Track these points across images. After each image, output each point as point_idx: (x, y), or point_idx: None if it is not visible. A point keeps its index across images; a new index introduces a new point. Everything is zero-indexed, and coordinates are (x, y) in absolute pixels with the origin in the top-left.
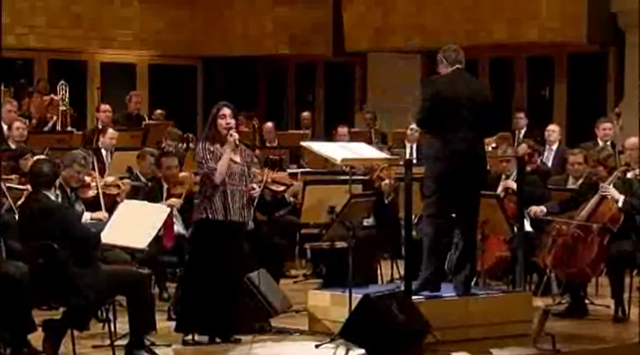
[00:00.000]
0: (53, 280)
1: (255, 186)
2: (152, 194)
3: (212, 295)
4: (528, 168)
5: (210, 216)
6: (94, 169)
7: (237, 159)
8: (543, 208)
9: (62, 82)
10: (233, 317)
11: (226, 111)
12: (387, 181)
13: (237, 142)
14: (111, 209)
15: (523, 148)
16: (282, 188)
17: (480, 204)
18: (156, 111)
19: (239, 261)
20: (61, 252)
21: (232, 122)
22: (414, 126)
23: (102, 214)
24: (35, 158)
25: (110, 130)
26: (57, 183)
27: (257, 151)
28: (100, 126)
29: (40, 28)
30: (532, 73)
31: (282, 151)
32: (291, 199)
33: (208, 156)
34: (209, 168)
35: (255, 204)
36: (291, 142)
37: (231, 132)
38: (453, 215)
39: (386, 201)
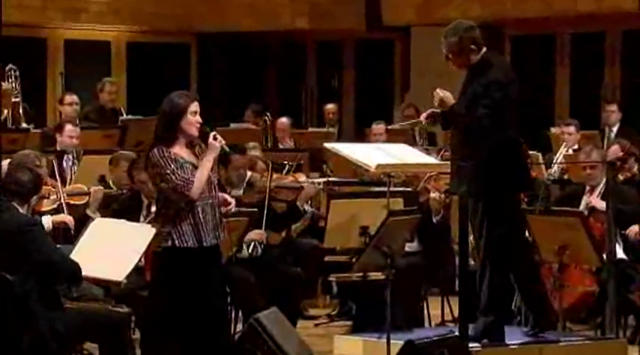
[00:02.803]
0: (4, 320)
1: (230, 199)
2: (129, 209)
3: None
4: (621, 177)
5: (177, 242)
6: (54, 178)
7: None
8: None
9: (10, 66)
10: None
11: (197, 105)
12: (434, 195)
13: (226, 148)
14: (78, 226)
15: (614, 151)
16: (291, 195)
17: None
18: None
19: (219, 298)
20: (21, 284)
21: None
22: None
23: (66, 217)
24: (9, 161)
25: (69, 126)
26: None
27: (258, 152)
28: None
29: None
30: (627, 52)
31: (299, 155)
32: (307, 207)
33: (172, 166)
34: (182, 179)
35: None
36: (311, 143)
37: (215, 134)
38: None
39: (434, 220)
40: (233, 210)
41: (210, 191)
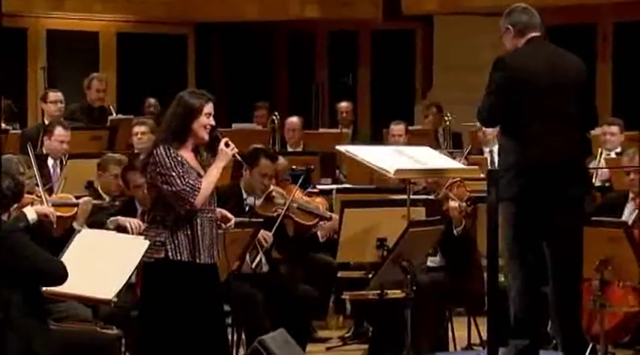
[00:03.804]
0: None
1: (230, 215)
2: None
3: None
4: None
5: (171, 254)
6: (37, 184)
7: (202, 172)
8: None
9: None
10: None
11: (211, 107)
12: (454, 204)
13: (237, 157)
14: (64, 238)
15: None
16: (311, 220)
17: (580, 235)
18: (147, 101)
19: (216, 321)
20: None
21: (214, 123)
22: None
23: (48, 209)
24: None
25: (59, 129)
26: None
27: (281, 159)
28: (46, 123)
29: None
30: None
31: (310, 159)
32: (324, 238)
33: (179, 169)
34: (188, 185)
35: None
36: (322, 146)
37: (226, 140)
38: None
39: (455, 232)
40: (232, 227)
41: (211, 204)
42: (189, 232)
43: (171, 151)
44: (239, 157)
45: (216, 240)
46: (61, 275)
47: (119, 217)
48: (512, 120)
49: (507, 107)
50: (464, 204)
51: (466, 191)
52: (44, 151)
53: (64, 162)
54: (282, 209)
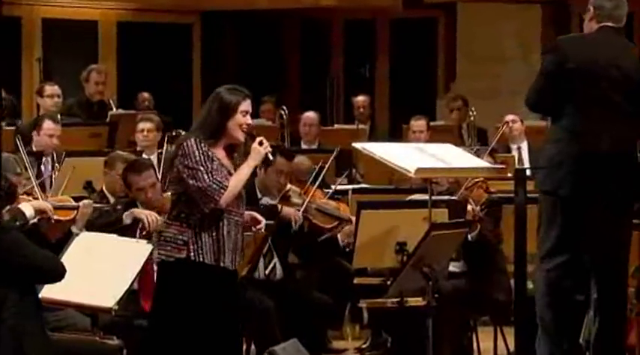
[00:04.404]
0: None
1: (260, 217)
2: (123, 223)
3: None
4: None
5: (193, 255)
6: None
7: (234, 172)
8: None
9: None
10: None
11: (249, 104)
12: (468, 207)
13: (269, 157)
14: (61, 244)
15: None
16: (330, 223)
17: (626, 239)
18: (141, 95)
19: (232, 331)
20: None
21: (251, 123)
22: (511, 116)
23: (45, 204)
24: None
25: (48, 123)
26: None
27: (303, 158)
28: None
29: None
30: None
31: (324, 157)
32: (344, 242)
33: (208, 164)
34: (216, 182)
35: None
36: (337, 143)
37: (260, 139)
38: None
39: (469, 238)
40: (262, 230)
41: (239, 206)
42: (214, 234)
43: (203, 145)
44: (271, 157)
45: (240, 245)
46: (60, 273)
47: (135, 209)
48: (560, 109)
49: (556, 94)
50: (477, 208)
51: (485, 193)
52: (34, 148)
53: (55, 159)
54: (300, 209)
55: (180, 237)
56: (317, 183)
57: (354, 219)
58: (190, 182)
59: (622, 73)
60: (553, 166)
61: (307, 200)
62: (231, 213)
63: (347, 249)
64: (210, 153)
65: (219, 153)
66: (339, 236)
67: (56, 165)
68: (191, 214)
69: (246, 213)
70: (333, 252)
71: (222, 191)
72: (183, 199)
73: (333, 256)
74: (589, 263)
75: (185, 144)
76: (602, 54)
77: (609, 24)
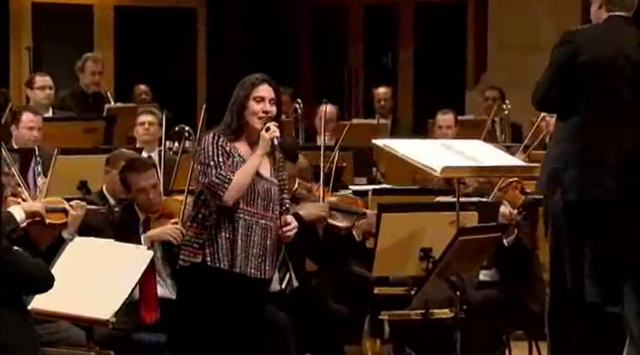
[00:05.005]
0: None
1: (291, 219)
2: (121, 228)
3: None
4: None
5: (209, 260)
6: (19, 185)
7: (266, 170)
8: None
9: None
10: None
11: (265, 89)
12: (503, 209)
13: (275, 142)
14: (52, 250)
15: None
16: (348, 221)
17: None
18: (137, 88)
19: (252, 345)
20: None
21: (273, 109)
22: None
23: (37, 205)
24: None
25: (27, 114)
26: None
27: (301, 159)
28: None
29: None
30: None
31: (341, 155)
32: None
33: (220, 159)
34: (220, 177)
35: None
36: (356, 139)
37: (269, 124)
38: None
39: (505, 243)
40: (291, 235)
41: (267, 208)
42: (230, 235)
43: (220, 139)
44: (276, 142)
45: (270, 252)
46: (51, 282)
47: (150, 233)
48: (569, 107)
49: (565, 90)
50: (515, 211)
51: (521, 194)
52: (14, 144)
53: (43, 158)
54: (321, 208)
55: (196, 240)
56: (321, 180)
57: (367, 211)
58: (200, 179)
59: (633, 65)
60: (559, 169)
61: (321, 199)
62: (253, 215)
63: (359, 240)
64: (228, 148)
65: (243, 148)
66: (354, 231)
67: (38, 159)
68: (209, 215)
69: (284, 217)
70: (352, 248)
71: (225, 186)
72: (202, 198)
73: (351, 255)
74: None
75: (204, 139)
76: (613, 47)
77: (620, 13)
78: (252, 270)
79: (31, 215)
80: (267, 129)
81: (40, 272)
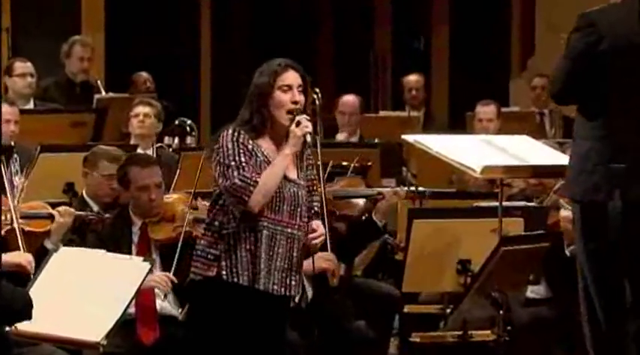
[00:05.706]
0: None
1: (318, 225)
2: (113, 235)
3: None
4: None
5: (225, 273)
6: (2, 189)
7: (292, 171)
8: None
9: None
10: None
11: (292, 76)
12: (566, 213)
13: (308, 139)
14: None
15: None
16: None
17: None
18: (138, 76)
19: None
20: None
21: (302, 99)
22: None
23: (24, 257)
24: None
25: (3, 106)
26: None
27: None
28: None
29: None
30: None
31: (367, 153)
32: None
33: (242, 159)
34: (244, 178)
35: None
36: (384, 134)
37: (298, 118)
38: None
39: (567, 253)
40: (318, 243)
41: (293, 215)
42: (252, 247)
43: (241, 136)
44: (308, 138)
45: (296, 265)
46: (29, 313)
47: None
48: (591, 98)
49: (586, 79)
50: None
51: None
52: None
53: (21, 156)
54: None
55: (211, 250)
56: (322, 180)
57: (384, 191)
58: (220, 181)
59: None
60: (582, 170)
61: (323, 193)
62: (278, 223)
63: (382, 224)
64: (251, 145)
65: (267, 146)
66: (374, 217)
67: (15, 157)
68: (227, 222)
69: (314, 223)
70: (376, 234)
71: (250, 189)
72: (221, 203)
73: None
74: (630, 286)
75: (222, 135)
76: (638, 30)
77: None
78: (275, 286)
79: (13, 267)
80: (298, 124)
81: (16, 304)
